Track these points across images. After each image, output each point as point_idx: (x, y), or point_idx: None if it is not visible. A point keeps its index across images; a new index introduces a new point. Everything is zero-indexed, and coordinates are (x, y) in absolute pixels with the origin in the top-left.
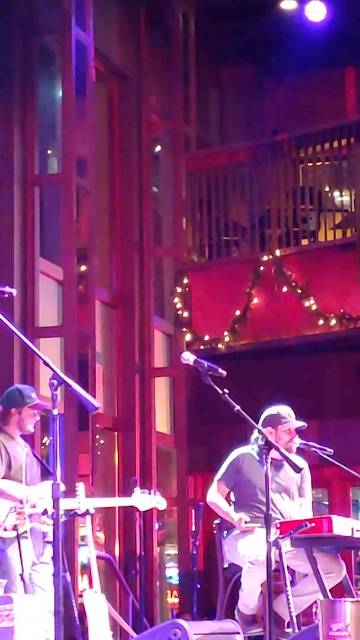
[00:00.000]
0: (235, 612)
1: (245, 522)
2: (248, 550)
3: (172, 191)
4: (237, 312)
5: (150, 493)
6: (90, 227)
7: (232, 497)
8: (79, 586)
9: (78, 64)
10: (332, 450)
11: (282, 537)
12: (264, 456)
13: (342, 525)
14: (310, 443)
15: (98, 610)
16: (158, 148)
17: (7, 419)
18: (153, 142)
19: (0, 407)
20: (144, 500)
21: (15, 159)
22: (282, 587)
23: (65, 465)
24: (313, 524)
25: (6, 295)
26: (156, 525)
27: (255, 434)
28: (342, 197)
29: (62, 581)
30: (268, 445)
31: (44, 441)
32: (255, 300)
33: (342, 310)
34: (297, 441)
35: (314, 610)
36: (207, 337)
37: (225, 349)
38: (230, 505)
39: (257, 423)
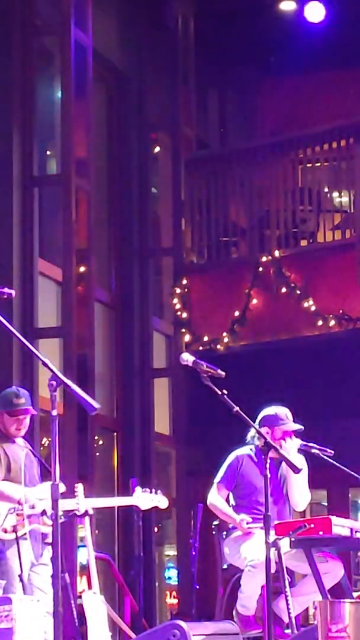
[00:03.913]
0: (234, 613)
1: (247, 523)
2: (250, 553)
3: (172, 192)
4: (236, 313)
5: (151, 492)
6: (89, 227)
7: (232, 499)
8: (78, 587)
9: (77, 65)
10: (332, 452)
11: (282, 538)
12: (263, 456)
13: (341, 527)
14: (310, 444)
15: (97, 611)
16: (157, 148)
17: None
18: (153, 142)
19: None
20: (145, 499)
21: (15, 160)
22: (281, 588)
23: (64, 466)
24: (312, 525)
25: (5, 296)
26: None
27: (252, 433)
28: (341, 198)
29: (61, 582)
30: (267, 446)
31: (43, 442)
32: (255, 301)
33: (341, 311)
34: (298, 442)
35: (312, 611)
36: (206, 338)
37: (224, 349)
38: (229, 507)
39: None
